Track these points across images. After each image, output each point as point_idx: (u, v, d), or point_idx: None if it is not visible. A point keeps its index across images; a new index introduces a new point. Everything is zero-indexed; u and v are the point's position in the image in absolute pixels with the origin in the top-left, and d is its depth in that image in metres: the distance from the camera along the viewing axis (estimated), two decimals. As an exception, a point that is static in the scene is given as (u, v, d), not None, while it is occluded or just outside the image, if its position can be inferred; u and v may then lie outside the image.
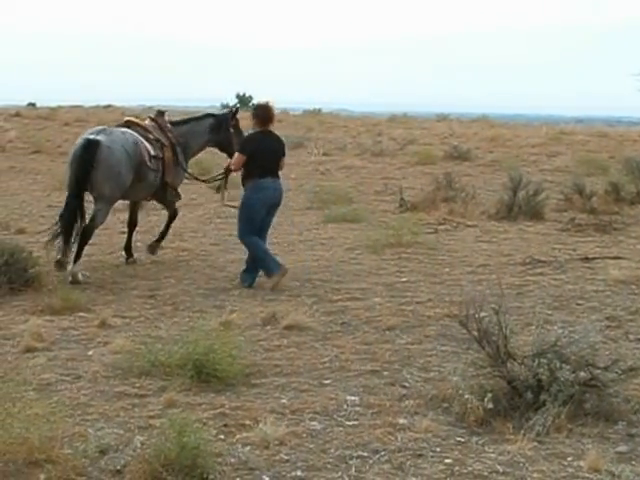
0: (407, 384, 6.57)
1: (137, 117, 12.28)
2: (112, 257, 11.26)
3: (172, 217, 11.48)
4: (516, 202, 13.94)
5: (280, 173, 10.16)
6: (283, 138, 10.56)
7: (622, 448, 5.40)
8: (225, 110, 12.03)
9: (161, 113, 11.46)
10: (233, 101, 49.73)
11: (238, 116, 11.75)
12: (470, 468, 5.11)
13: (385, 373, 6.82)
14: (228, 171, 10.65)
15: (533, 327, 7.56)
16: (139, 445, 5.18)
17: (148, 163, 10.55)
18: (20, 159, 21.82)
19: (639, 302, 8.86)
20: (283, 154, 10.14)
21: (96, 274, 10.26)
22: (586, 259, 11.02)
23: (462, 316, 6.30)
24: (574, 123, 33.89)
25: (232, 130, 11.49)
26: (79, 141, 10.37)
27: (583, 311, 8.57)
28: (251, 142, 10.16)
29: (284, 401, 6.20)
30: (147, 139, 10.74)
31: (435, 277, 10.13)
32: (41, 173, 19.57)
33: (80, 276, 9.89)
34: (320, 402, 6.16)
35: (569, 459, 5.24)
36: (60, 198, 16.17)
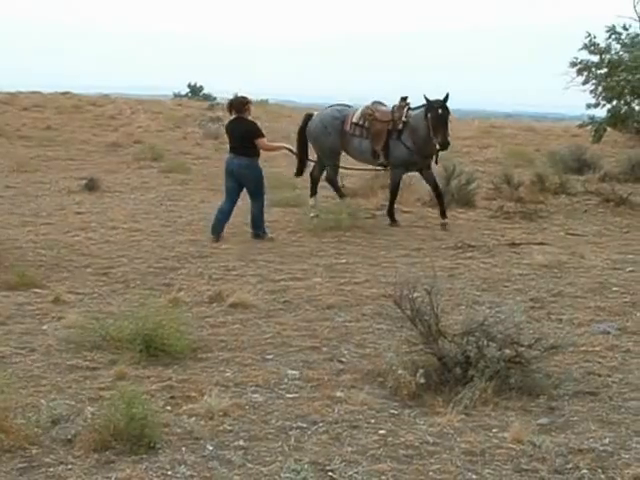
0: (344, 359, 6.56)
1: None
2: (67, 236, 11.08)
3: (391, 190, 12.58)
4: (449, 190, 13.96)
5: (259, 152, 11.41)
6: (256, 123, 11.59)
7: (543, 420, 5.45)
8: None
9: (403, 99, 12.57)
10: (185, 90, 48.88)
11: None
12: (402, 439, 5.12)
13: (324, 349, 6.81)
14: None
15: (463, 307, 7.62)
16: (89, 415, 5.12)
17: (347, 129, 12.47)
18: (-21, 142, 21.38)
19: (561, 285, 8.95)
20: (254, 136, 11.23)
21: (51, 252, 10.11)
22: (513, 244, 11.10)
23: (397, 296, 6.30)
24: (504, 118, 34.03)
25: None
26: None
27: (509, 293, 8.63)
28: (226, 127, 11.78)
29: (228, 374, 6.17)
30: (363, 113, 12.41)
31: (372, 259, 10.13)
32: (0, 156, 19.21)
33: (311, 202, 12.79)
34: (262, 376, 6.13)
35: (494, 430, 5.27)
36: (17, 179, 15.96)
